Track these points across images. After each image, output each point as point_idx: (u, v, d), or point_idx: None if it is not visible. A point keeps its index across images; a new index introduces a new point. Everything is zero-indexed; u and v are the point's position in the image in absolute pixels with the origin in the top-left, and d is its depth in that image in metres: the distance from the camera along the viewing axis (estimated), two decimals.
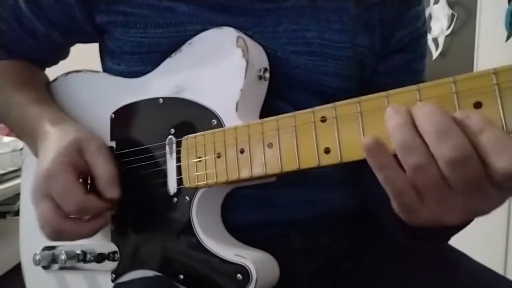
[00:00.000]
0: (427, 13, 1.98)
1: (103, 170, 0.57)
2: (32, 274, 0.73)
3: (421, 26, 0.67)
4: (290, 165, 0.47)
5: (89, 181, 0.59)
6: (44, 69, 0.77)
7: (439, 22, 1.94)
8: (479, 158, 0.35)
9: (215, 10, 0.59)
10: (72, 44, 0.74)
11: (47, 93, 0.71)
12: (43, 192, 0.56)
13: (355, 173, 0.68)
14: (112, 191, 0.57)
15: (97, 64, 0.71)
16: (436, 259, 0.59)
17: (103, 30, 0.65)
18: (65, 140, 0.57)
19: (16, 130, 0.70)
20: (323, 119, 0.45)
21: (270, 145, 0.48)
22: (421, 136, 0.37)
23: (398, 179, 0.38)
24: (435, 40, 1.97)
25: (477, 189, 0.36)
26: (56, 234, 0.56)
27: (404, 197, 0.39)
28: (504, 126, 0.36)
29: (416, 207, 0.39)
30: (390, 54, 0.66)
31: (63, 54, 0.76)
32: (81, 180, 0.57)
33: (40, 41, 0.69)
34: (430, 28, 1.97)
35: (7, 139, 1.64)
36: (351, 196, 0.67)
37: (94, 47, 0.71)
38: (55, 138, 0.58)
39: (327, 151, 0.44)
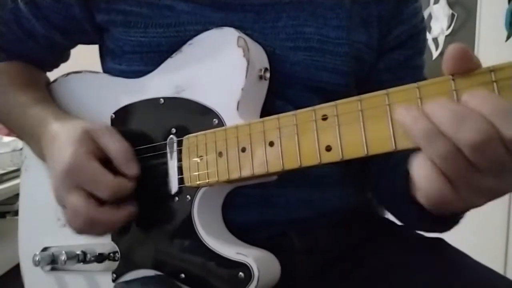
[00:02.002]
0: (427, 13, 1.98)
1: (117, 149, 0.57)
2: (32, 275, 0.73)
3: (419, 23, 0.68)
4: (292, 163, 0.47)
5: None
6: (45, 72, 0.77)
7: (439, 22, 1.94)
8: (498, 135, 0.35)
9: (214, 7, 0.59)
10: (73, 45, 0.74)
11: (47, 94, 0.71)
12: (69, 185, 0.55)
13: (355, 173, 0.68)
14: (131, 167, 0.57)
15: (97, 66, 0.71)
16: (436, 258, 0.59)
17: (103, 30, 0.65)
18: (76, 133, 0.57)
19: (17, 131, 0.70)
20: (324, 117, 0.45)
21: (272, 144, 0.48)
22: (439, 128, 0.36)
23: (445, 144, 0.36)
24: (435, 40, 1.97)
25: (503, 166, 0.36)
26: (90, 225, 0.55)
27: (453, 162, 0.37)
28: None
29: (449, 197, 0.38)
30: (388, 50, 0.66)
31: (64, 56, 0.76)
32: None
33: (40, 43, 0.69)
34: (430, 28, 1.98)
35: (7, 139, 1.64)
36: (351, 196, 0.67)
37: (94, 49, 0.72)
38: (64, 134, 0.58)
39: (328, 148, 0.45)
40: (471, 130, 0.34)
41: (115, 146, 0.57)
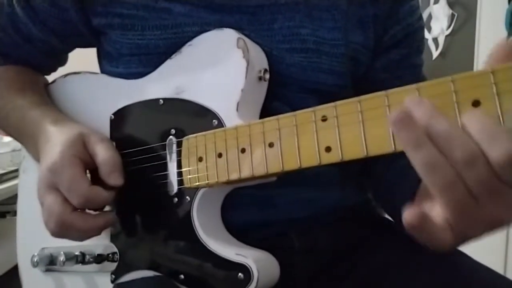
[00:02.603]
0: (427, 13, 1.98)
1: (105, 157, 0.57)
2: (30, 276, 0.72)
3: (416, 21, 0.67)
4: (291, 164, 0.47)
5: (90, 173, 0.59)
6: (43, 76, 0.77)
7: (439, 22, 1.94)
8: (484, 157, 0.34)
9: (210, 9, 0.59)
10: (70, 49, 0.74)
11: (46, 96, 0.71)
12: (50, 185, 0.56)
13: (355, 173, 0.68)
14: (114, 178, 0.57)
15: (95, 67, 0.71)
16: (436, 259, 0.58)
17: (100, 33, 0.65)
18: (70, 135, 0.57)
19: (15, 134, 0.70)
20: (324, 118, 0.45)
21: (271, 145, 0.48)
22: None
23: (441, 162, 0.35)
24: (435, 40, 1.97)
25: (493, 192, 0.35)
26: (62, 228, 0.56)
27: (454, 189, 0.36)
28: (502, 124, 0.36)
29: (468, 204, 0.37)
30: (385, 50, 0.66)
31: (61, 60, 0.76)
32: (88, 173, 0.57)
33: (37, 47, 0.69)
34: (430, 28, 1.98)
35: (7, 139, 1.64)
36: (350, 195, 0.67)
37: (93, 50, 0.72)
38: (58, 136, 0.58)
39: (328, 149, 0.45)
40: (459, 148, 0.34)
41: (103, 154, 0.57)
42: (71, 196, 0.55)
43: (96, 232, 0.58)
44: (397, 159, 0.51)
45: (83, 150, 0.57)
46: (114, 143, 0.63)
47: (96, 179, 0.58)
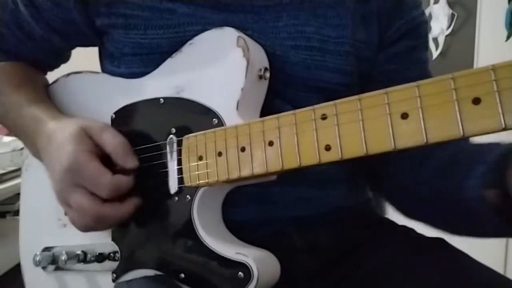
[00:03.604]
0: (427, 13, 1.98)
1: (115, 145, 0.57)
2: (32, 275, 0.73)
3: (419, 15, 0.67)
4: (291, 163, 0.47)
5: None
6: (45, 73, 0.77)
7: (439, 21, 1.94)
8: None
9: (215, 8, 0.59)
10: (72, 47, 0.74)
11: (44, 94, 0.71)
12: (71, 184, 0.56)
13: (356, 171, 0.68)
14: (130, 161, 0.57)
15: (97, 67, 0.71)
16: (437, 258, 0.59)
17: (103, 33, 0.65)
18: (73, 131, 0.57)
19: (14, 131, 0.70)
20: (324, 117, 0.45)
21: (271, 143, 0.48)
22: None
23: None
24: (435, 40, 1.97)
25: None
26: (98, 221, 0.56)
27: None
28: (503, 122, 0.36)
29: None
30: (389, 44, 0.66)
31: (64, 57, 0.77)
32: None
33: (39, 45, 0.69)
34: (430, 28, 1.98)
35: (7, 139, 1.64)
36: (351, 194, 0.67)
37: (95, 49, 0.72)
38: (61, 133, 0.58)
39: (327, 148, 0.45)
40: None
41: (112, 141, 0.57)
42: (99, 189, 0.55)
43: (128, 217, 0.58)
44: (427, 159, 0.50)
45: (91, 143, 0.57)
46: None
47: (109, 167, 0.57)
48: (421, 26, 0.68)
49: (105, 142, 0.57)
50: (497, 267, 1.44)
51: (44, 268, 0.69)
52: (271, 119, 0.49)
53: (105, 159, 0.57)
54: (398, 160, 0.63)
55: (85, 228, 0.58)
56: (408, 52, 0.67)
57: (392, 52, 0.66)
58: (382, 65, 0.66)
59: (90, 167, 0.55)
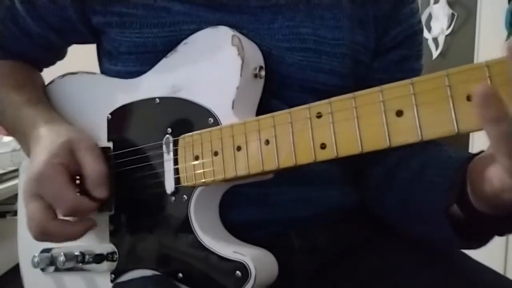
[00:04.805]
0: (427, 13, 1.98)
1: (92, 170, 0.57)
2: (31, 277, 0.73)
3: (416, 23, 0.67)
4: (287, 161, 0.47)
5: (79, 181, 0.59)
6: (41, 70, 0.77)
7: (439, 21, 1.94)
8: None
9: (210, 8, 0.59)
10: (68, 45, 0.75)
11: (42, 94, 0.71)
12: (34, 193, 0.56)
13: (354, 171, 0.68)
14: (99, 191, 0.58)
15: (94, 66, 0.71)
16: (436, 259, 0.58)
17: (100, 31, 0.65)
18: (57, 141, 0.58)
19: (10, 130, 0.71)
20: (319, 115, 0.45)
21: (267, 142, 0.49)
22: None
23: None
24: (435, 40, 1.97)
25: None
26: (43, 235, 0.57)
27: None
28: None
29: None
30: (385, 51, 0.66)
31: (60, 54, 0.77)
32: (77, 179, 0.58)
33: (35, 42, 0.70)
34: (430, 28, 1.98)
35: (7, 139, 1.65)
36: (350, 194, 0.67)
37: (92, 49, 0.72)
38: (47, 140, 0.59)
39: (323, 146, 0.45)
40: None
41: (92, 165, 0.58)
42: (57, 205, 0.56)
43: (77, 237, 0.59)
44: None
45: (70, 158, 0.57)
46: (111, 143, 0.64)
47: (84, 184, 0.58)
48: (418, 35, 0.68)
49: (84, 163, 0.58)
50: (497, 267, 1.44)
51: (42, 269, 0.69)
52: (266, 118, 0.49)
53: (81, 178, 0.58)
54: (371, 167, 0.65)
55: (35, 238, 0.58)
56: (402, 61, 0.67)
57: (387, 60, 0.66)
58: (376, 73, 0.66)
59: (56, 180, 0.55)
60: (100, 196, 0.58)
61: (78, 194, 0.57)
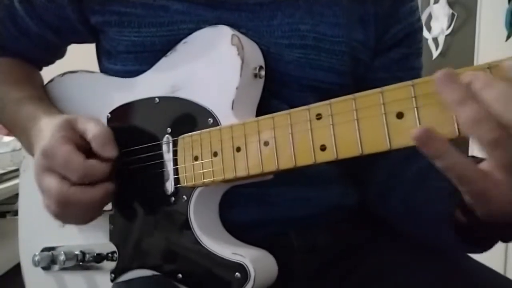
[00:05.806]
0: (427, 13, 1.98)
1: (95, 132, 0.56)
2: (32, 275, 0.73)
3: (416, 21, 0.67)
4: (287, 163, 0.47)
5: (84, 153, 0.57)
6: (40, 69, 0.77)
7: (439, 21, 1.94)
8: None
9: (209, 6, 0.59)
10: (67, 44, 0.75)
11: (42, 91, 0.71)
12: (45, 168, 0.55)
13: (354, 171, 0.68)
14: (108, 150, 0.56)
15: (94, 65, 0.71)
16: (436, 258, 0.58)
17: (98, 31, 0.65)
18: (58, 121, 0.57)
19: (10, 127, 0.71)
20: (319, 117, 0.45)
21: (266, 143, 0.48)
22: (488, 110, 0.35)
23: (462, 164, 0.37)
24: (435, 40, 1.97)
25: None
26: (63, 206, 0.55)
27: (476, 183, 0.37)
28: None
29: (491, 192, 0.38)
30: (385, 50, 0.66)
31: (59, 53, 0.77)
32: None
33: (34, 41, 0.70)
34: (430, 28, 1.97)
35: (7, 138, 1.65)
36: (349, 194, 0.67)
37: (91, 48, 0.72)
38: (49, 126, 0.58)
39: (323, 148, 0.45)
40: None
41: (94, 129, 0.56)
42: (68, 172, 0.54)
43: (98, 205, 0.57)
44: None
45: (73, 132, 0.56)
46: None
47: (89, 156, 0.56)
48: (417, 33, 0.68)
49: (86, 129, 0.57)
50: (497, 267, 1.44)
51: (43, 268, 0.69)
52: (266, 119, 0.49)
53: (88, 151, 0.56)
54: (374, 165, 0.65)
55: (55, 215, 0.57)
56: (403, 59, 0.67)
57: (387, 58, 0.66)
58: (377, 71, 0.66)
59: (62, 149, 0.54)
60: (109, 155, 0.56)
61: (86, 159, 0.55)
